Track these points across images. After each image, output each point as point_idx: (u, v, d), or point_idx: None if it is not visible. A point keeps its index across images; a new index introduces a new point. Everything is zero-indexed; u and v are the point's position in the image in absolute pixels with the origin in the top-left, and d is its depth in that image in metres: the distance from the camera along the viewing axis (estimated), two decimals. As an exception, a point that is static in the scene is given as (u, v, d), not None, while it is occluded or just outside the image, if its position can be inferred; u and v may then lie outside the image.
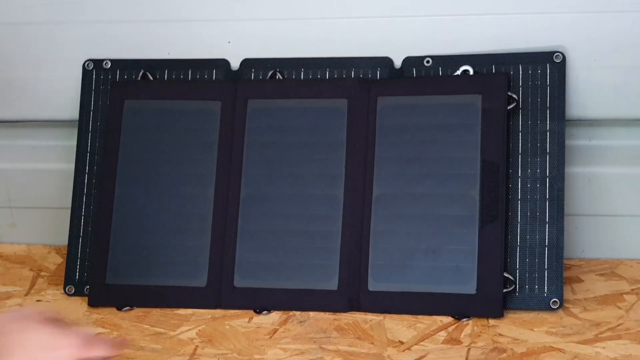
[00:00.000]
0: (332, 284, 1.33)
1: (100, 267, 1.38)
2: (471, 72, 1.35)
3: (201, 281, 1.35)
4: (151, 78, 1.43)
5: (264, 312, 1.33)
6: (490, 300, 1.28)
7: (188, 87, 1.41)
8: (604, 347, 1.21)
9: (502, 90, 1.33)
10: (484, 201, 1.31)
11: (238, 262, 1.35)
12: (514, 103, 1.33)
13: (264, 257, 1.35)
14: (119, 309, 1.36)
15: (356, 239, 1.33)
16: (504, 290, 1.29)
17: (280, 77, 1.40)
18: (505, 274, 1.29)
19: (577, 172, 1.39)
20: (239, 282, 1.35)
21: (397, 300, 1.31)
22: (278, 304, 1.33)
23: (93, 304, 1.37)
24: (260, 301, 1.34)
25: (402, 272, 1.31)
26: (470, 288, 1.29)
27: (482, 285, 1.29)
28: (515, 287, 1.30)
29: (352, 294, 1.32)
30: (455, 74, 1.36)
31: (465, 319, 1.29)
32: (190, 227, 1.37)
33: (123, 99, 1.42)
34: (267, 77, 1.40)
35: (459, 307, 1.29)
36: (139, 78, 1.43)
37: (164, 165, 1.39)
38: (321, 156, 1.36)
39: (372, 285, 1.32)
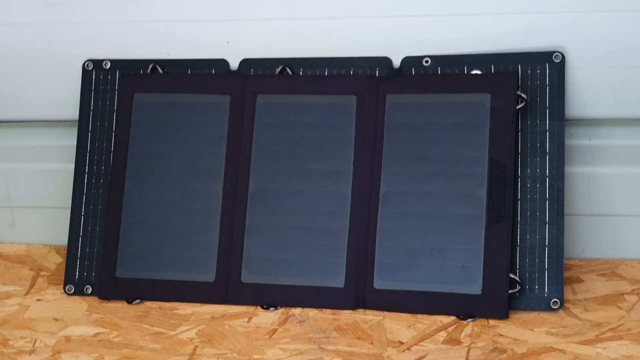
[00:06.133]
0: (339, 282, 1.33)
1: (111, 261, 1.38)
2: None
3: (209, 276, 1.36)
4: (161, 71, 1.43)
5: (271, 308, 1.33)
6: (495, 301, 1.28)
7: (197, 80, 1.41)
8: (604, 348, 1.21)
9: (511, 89, 1.32)
10: (491, 201, 1.30)
11: (246, 258, 1.35)
12: (523, 103, 1.33)
13: (272, 253, 1.35)
14: (129, 302, 1.37)
15: (363, 236, 1.33)
16: (510, 292, 1.29)
17: (290, 73, 1.40)
18: (511, 275, 1.29)
19: (577, 172, 1.39)
20: (246, 277, 1.35)
21: (402, 299, 1.31)
22: (285, 300, 1.34)
23: (103, 297, 1.38)
24: (267, 297, 1.34)
25: (408, 270, 1.31)
26: (476, 288, 1.29)
27: (488, 285, 1.29)
28: (522, 289, 1.29)
29: (358, 292, 1.32)
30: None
31: (470, 320, 1.28)
32: (199, 222, 1.37)
33: (133, 91, 1.42)
34: (277, 73, 1.40)
35: (464, 307, 1.29)
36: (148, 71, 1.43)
37: (173, 158, 1.40)
38: (329, 153, 1.36)
39: (378, 284, 1.32)
